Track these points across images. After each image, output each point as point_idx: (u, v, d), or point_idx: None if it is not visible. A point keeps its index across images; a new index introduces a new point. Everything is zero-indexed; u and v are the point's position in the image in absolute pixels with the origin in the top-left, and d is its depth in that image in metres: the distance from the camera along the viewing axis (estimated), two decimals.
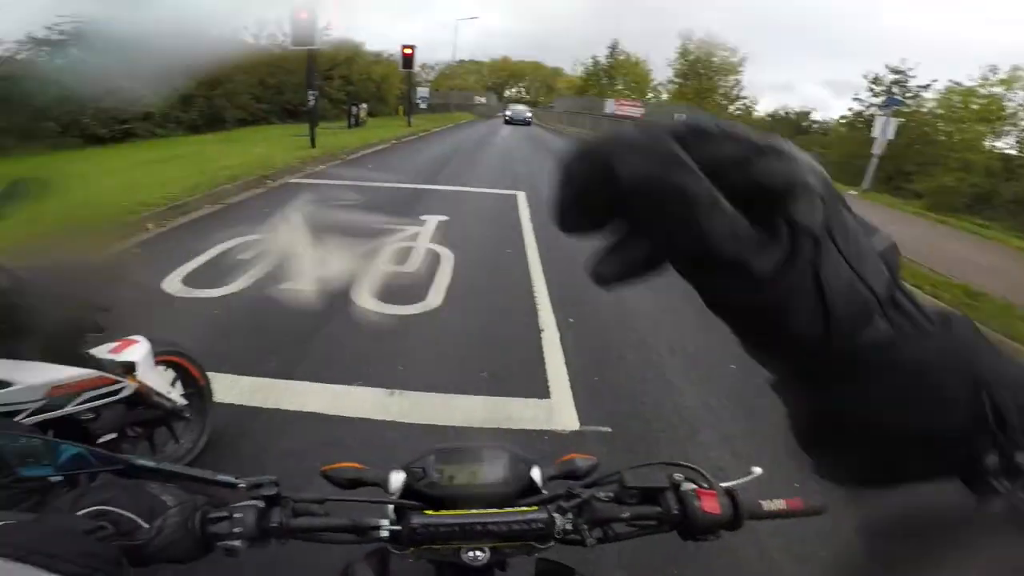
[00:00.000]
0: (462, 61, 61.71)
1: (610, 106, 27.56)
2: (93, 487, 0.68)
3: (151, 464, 0.69)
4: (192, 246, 4.29)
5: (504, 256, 4.73)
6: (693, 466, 0.64)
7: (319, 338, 3.00)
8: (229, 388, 2.39)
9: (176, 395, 1.74)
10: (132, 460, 0.70)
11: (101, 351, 1.55)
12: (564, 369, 2.87)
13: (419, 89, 28.96)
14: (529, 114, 28.61)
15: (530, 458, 0.70)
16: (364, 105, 19.07)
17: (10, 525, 0.50)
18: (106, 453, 0.72)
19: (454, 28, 72.60)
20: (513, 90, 72.57)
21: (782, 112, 45.57)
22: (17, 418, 1.21)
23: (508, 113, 31.97)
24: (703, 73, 33.01)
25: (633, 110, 26.39)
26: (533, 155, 13.27)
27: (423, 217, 5.68)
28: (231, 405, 2.30)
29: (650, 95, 37.45)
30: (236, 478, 0.68)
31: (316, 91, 10.86)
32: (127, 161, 7.86)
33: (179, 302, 3.36)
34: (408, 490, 0.63)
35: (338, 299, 3.49)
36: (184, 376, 1.98)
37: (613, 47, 37.45)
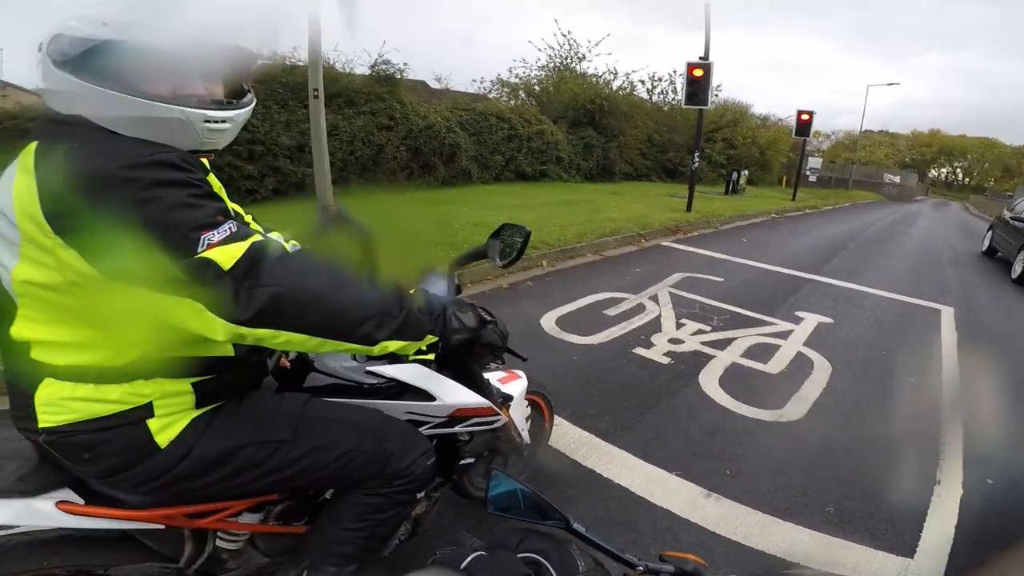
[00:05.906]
0: (869, 131, 52.45)
1: None
2: (534, 533, 0.79)
3: (581, 529, 0.78)
4: (571, 290, 4.79)
5: (904, 384, 3.60)
6: None
7: (656, 412, 2.94)
8: (561, 435, 2.53)
9: (526, 432, 1.78)
10: (570, 521, 0.78)
11: (493, 378, 1.62)
12: (951, 532, 2.20)
13: (810, 159, 26.32)
14: None
15: None
16: (745, 172, 18.41)
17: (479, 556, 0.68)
18: (549, 504, 0.81)
19: (864, 95, 54.87)
20: (943, 170, 57.81)
21: None
22: (422, 428, 1.30)
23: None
24: None
25: None
26: (973, 256, 9.94)
27: (799, 314, 4.86)
28: (556, 451, 2.41)
29: None
30: (638, 560, 0.75)
31: (700, 153, 10.93)
32: (540, 200, 9.65)
33: (548, 340, 3.75)
34: None
35: (686, 379, 3.35)
36: (536, 416, 2.09)
37: None
